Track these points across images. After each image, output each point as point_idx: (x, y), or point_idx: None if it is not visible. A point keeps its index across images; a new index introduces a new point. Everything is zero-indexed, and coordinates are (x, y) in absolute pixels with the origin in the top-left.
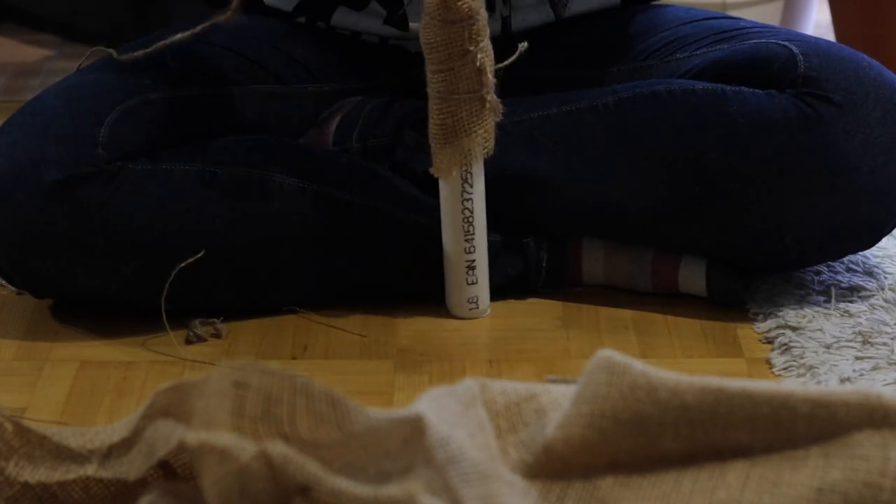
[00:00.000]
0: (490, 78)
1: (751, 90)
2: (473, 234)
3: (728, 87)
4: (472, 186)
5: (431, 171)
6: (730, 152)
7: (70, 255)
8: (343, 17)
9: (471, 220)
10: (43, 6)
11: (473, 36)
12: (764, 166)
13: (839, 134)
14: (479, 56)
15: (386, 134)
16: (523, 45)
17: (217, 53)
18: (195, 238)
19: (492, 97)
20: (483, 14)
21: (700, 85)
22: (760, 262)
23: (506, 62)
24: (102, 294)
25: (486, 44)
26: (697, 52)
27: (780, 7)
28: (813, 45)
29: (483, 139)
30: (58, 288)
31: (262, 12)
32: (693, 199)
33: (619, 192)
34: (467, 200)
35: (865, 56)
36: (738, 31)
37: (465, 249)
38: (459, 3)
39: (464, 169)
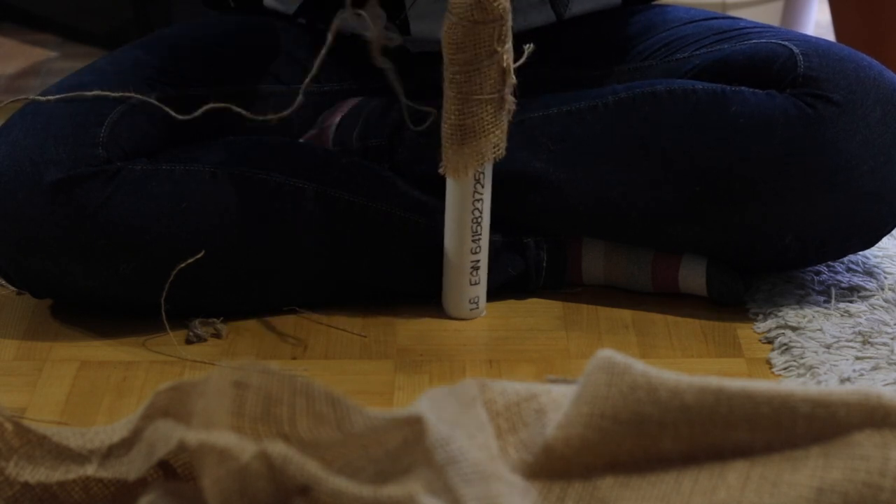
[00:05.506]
0: (512, 79)
1: (751, 90)
2: (480, 234)
3: (728, 87)
4: (483, 187)
5: (441, 171)
6: (730, 152)
7: (70, 255)
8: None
9: (479, 220)
10: (43, 6)
11: (502, 37)
12: (764, 166)
13: (839, 134)
14: (505, 57)
15: (386, 134)
16: (529, 47)
17: (217, 54)
18: (195, 238)
19: (509, 98)
20: (510, 14)
21: (700, 85)
22: (760, 262)
23: (517, 63)
24: (102, 294)
25: (510, 44)
26: (697, 52)
27: (780, 7)
28: (813, 45)
29: (498, 139)
30: (57, 288)
31: (262, 13)
32: (693, 198)
33: (619, 192)
34: (478, 201)
35: (865, 56)
36: (738, 31)
37: (471, 250)
38: (495, 3)
39: (478, 170)
